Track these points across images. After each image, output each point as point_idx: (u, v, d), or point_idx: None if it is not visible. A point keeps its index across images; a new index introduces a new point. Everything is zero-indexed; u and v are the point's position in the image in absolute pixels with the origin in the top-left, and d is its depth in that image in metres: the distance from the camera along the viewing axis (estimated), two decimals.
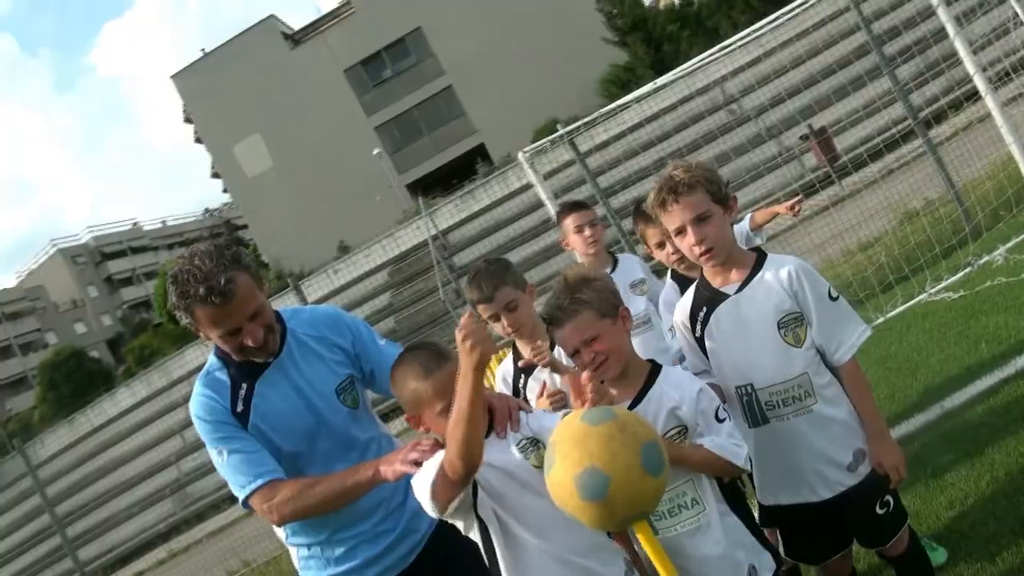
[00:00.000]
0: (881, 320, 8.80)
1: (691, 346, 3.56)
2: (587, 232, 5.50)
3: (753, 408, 3.43)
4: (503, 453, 3.09)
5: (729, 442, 3.12)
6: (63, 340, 77.83)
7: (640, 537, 2.80)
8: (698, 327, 3.50)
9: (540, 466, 2.97)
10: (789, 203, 6.14)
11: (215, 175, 63.32)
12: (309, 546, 3.65)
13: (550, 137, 10.78)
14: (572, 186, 12.15)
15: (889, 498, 3.43)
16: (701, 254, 3.39)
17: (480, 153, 49.63)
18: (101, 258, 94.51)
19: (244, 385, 3.50)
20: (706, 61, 10.90)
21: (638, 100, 12.41)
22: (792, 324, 3.36)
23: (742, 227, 6.15)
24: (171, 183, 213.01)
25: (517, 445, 3.12)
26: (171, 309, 3.41)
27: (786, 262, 3.42)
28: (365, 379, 3.77)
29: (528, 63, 48.83)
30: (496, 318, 4.06)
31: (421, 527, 3.70)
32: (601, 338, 3.19)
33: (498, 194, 28.34)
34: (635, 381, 3.25)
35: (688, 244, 3.39)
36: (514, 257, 24.21)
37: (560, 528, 2.97)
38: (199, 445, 3.67)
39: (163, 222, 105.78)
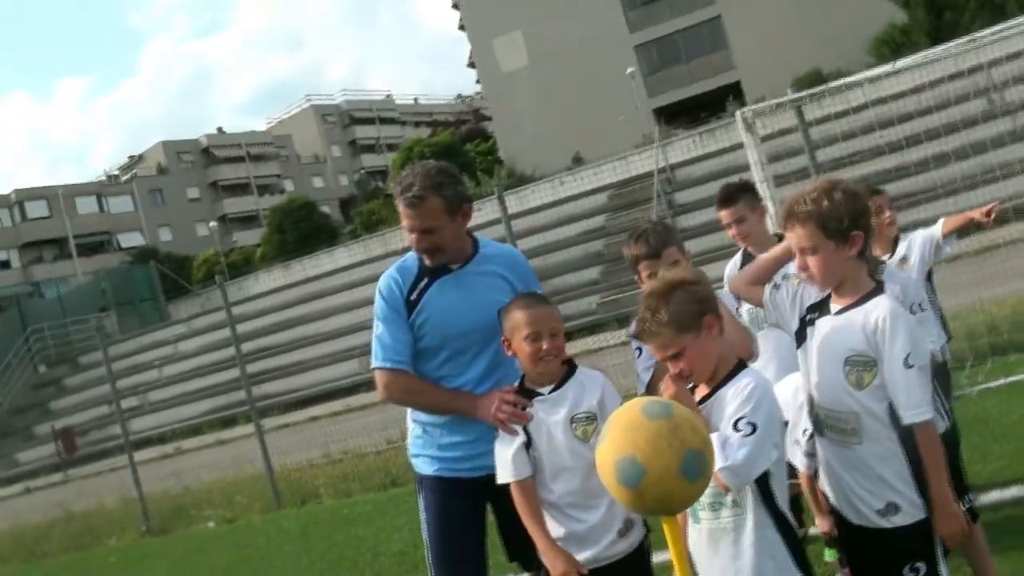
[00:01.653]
0: None
1: (790, 334, 3.69)
2: (732, 230, 5.48)
3: (814, 417, 3.56)
4: (556, 414, 3.82)
5: (721, 444, 3.09)
6: (299, 190, 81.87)
7: (666, 529, 2.97)
8: (807, 327, 3.59)
9: (583, 439, 3.75)
10: (985, 208, 5.86)
11: (471, 64, 64.47)
12: (424, 427, 4.33)
13: (775, 100, 10.46)
14: (787, 155, 11.84)
15: (921, 565, 3.35)
16: (805, 279, 3.53)
17: (734, 91, 48.57)
18: (350, 121, 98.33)
19: (426, 279, 4.22)
20: (985, 41, 10.18)
21: (889, 75, 11.81)
22: (859, 367, 3.36)
23: (932, 232, 5.90)
24: (429, 64, 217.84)
25: (575, 413, 3.79)
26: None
27: (882, 305, 3.38)
28: None
29: (803, 6, 47.28)
30: (655, 276, 4.15)
31: None
32: (683, 354, 3.27)
33: (737, 139, 27.80)
34: (716, 379, 3.34)
35: (796, 265, 3.53)
36: None
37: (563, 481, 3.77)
38: None
39: (415, 99, 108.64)
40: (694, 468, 2.77)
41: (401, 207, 4.11)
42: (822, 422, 3.50)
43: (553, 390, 3.87)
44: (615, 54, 51.82)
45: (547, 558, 3.72)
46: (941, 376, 5.81)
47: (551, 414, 3.82)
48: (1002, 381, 8.53)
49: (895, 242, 5.80)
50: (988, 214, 5.72)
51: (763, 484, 3.22)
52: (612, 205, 32.29)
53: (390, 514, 10.02)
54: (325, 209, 72.30)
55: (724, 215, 5.48)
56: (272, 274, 44.40)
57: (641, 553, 3.85)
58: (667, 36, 54.15)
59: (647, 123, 47.07)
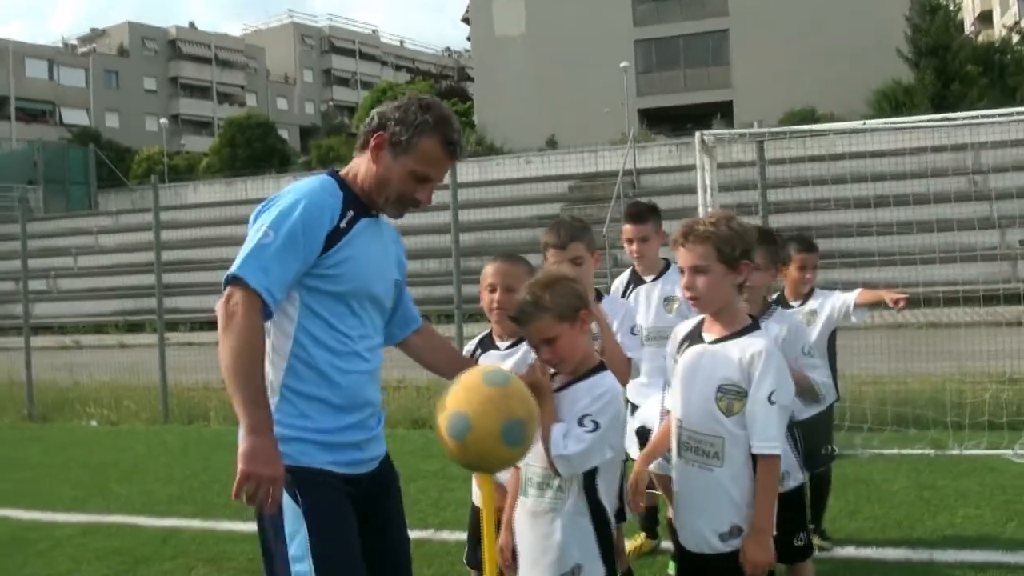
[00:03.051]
0: (956, 452, 8.93)
1: (671, 356, 4.10)
2: (633, 247, 5.95)
3: (677, 439, 3.92)
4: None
5: (563, 434, 3.51)
6: (260, 107, 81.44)
7: (480, 487, 3.50)
8: (678, 352, 4.02)
9: None
10: (896, 296, 6.37)
11: (465, 19, 64.41)
12: (307, 400, 3.47)
13: (739, 130, 10.92)
14: (740, 186, 12.24)
15: None
16: (688, 298, 3.90)
17: (724, 109, 49.24)
18: (329, 48, 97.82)
19: (352, 212, 3.50)
20: (982, 120, 10.67)
21: (857, 131, 12.32)
22: (731, 395, 3.76)
23: (847, 298, 6.40)
24: (424, 9, 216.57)
25: (520, 371, 3.93)
26: (394, 116, 3.51)
27: (760, 342, 3.80)
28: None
29: (813, 42, 47.96)
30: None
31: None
32: (558, 340, 3.67)
33: (718, 158, 28.18)
34: (575, 373, 3.74)
35: (682, 284, 3.89)
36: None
37: None
38: None
39: (401, 42, 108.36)
40: (514, 435, 3.24)
41: (439, 153, 3.53)
42: (684, 444, 3.87)
43: (510, 346, 4.35)
44: (613, 44, 52.16)
45: None
46: (823, 424, 6.34)
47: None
48: (895, 451, 9.06)
49: (808, 294, 6.35)
50: (897, 302, 6.25)
51: (590, 477, 3.61)
52: (572, 196, 32.64)
53: None
54: (283, 134, 71.99)
55: (630, 230, 5.93)
56: (212, 187, 44.30)
57: None
58: (670, 38, 54.65)
59: (629, 121, 47.53)
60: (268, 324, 3.37)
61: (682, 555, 3.95)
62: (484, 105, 57.87)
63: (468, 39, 66.90)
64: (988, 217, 21.15)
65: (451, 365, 3.87)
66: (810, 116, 39.88)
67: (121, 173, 50.12)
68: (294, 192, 3.42)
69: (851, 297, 6.37)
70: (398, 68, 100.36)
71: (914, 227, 14.28)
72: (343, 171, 3.64)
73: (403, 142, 3.48)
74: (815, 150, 13.89)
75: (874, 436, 9.44)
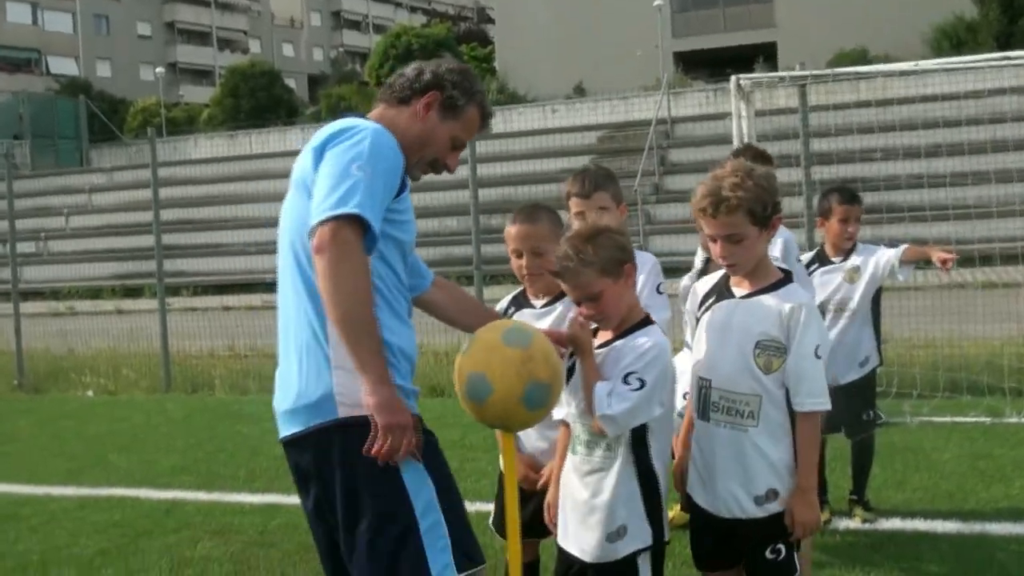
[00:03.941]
0: (1015, 420, 8.97)
1: (691, 314, 4.19)
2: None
3: (703, 400, 3.97)
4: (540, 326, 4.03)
5: (607, 393, 3.62)
6: (265, 55, 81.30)
7: (502, 445, 3.67)
8: (701, 308, 4.08)
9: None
10: (943, 255, 6.40)
11: None
12: (391, 350, 3.48)
13: (777, 73, 10.91)
14: (780, 136, 12.09)
15: (782, 547, 3.87)
16: (726, 265, 3.95)
17: (767, 51, 48.79)
18: None
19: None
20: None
21: (904, 74, 12.21)
22: (770, 351, 3.82)
23: (892, 255, 6.44)
24: None
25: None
26: (451, 78, 3.68)
27: (798, 297, 3.87)
28: None
29: None
30: (582, 217, 4.57)
31: None
32: (601, 296, 3.74)
33: (756, 104, 28.01)
34: (620, 329, 3.82)
35: (716, 252, 3.93)
36: None
37: None
38: None
39: None
40: (536, 398, 3.37)
41: (480, 123, 3.79)
42: (714, 404, 3.91)
43: (545, 304, 4.42)
44: None
45: None
46: (865, 389, 6.42)
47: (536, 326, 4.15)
48: (947, 419, 9.10)
49: (850, 250, 6.40)
50: (945, 262, 6.29)
51: (639, 437, 3.72)
52: (601, 148, 32.56)
53: None
54: (290, 82, 71.87)
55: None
56: (214, 141, 44.34)
57: None
58: None
59: (664, 65, 47.22)
60: None
61: (706, 521, 4.00)
62: (506, 49, 57.60)
63: None
64: None
65: (473, 317, 4.01)
66: (861, 58, 39.54)
67: (115, 126, 50.20)
68: (368, 130, 3.42)
69: (896, 253, 6.40)
70: (413, 10, 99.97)
71: (969, 178, 14.18)
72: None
73: (458, 107, 3.68)
74: (862, 95, 13.80)
75: (924, 403, 9.47)
